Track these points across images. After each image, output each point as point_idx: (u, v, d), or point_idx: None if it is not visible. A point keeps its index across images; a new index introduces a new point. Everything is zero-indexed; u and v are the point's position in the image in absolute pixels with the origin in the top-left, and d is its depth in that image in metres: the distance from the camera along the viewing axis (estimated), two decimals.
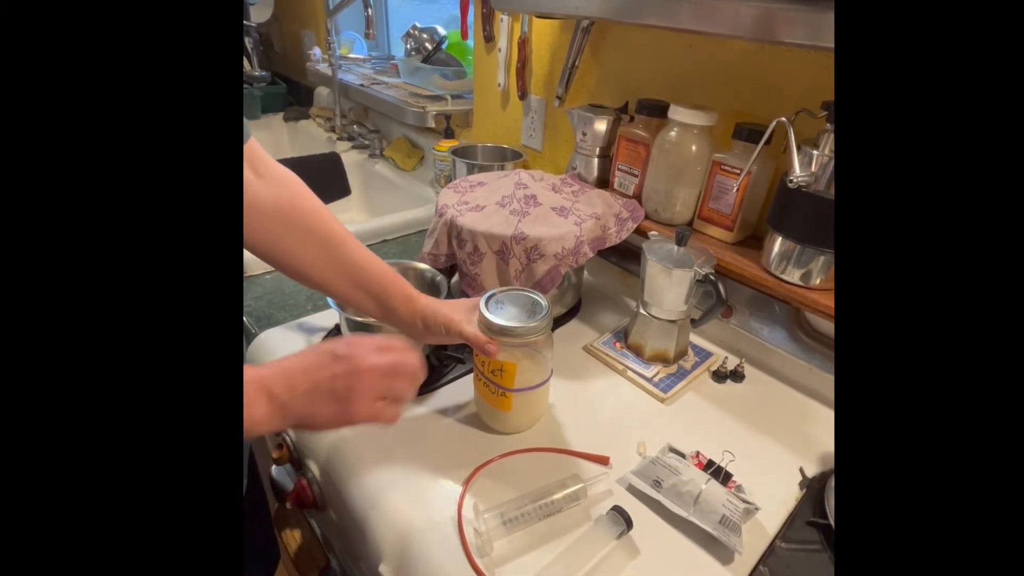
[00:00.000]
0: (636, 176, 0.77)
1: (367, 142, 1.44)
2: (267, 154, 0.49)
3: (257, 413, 0.36)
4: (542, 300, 0.52)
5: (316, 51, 1.65)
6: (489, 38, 1.06)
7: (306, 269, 0.50)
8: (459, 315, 0.51)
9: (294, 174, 0.50)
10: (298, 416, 0.39)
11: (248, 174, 0.46)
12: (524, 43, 0.98)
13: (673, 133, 0.70)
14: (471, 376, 0.62)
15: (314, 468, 0.55)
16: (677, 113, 0.68)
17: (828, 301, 0.58)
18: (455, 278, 0.72)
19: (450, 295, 0.63)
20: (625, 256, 0.81)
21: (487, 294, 0.52)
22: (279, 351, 0.66)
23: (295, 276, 0.51)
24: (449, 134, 1.20)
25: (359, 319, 0.60)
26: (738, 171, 0.65)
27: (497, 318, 0.49)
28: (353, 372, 0.39)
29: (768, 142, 0.59)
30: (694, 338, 0.72)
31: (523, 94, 1.03)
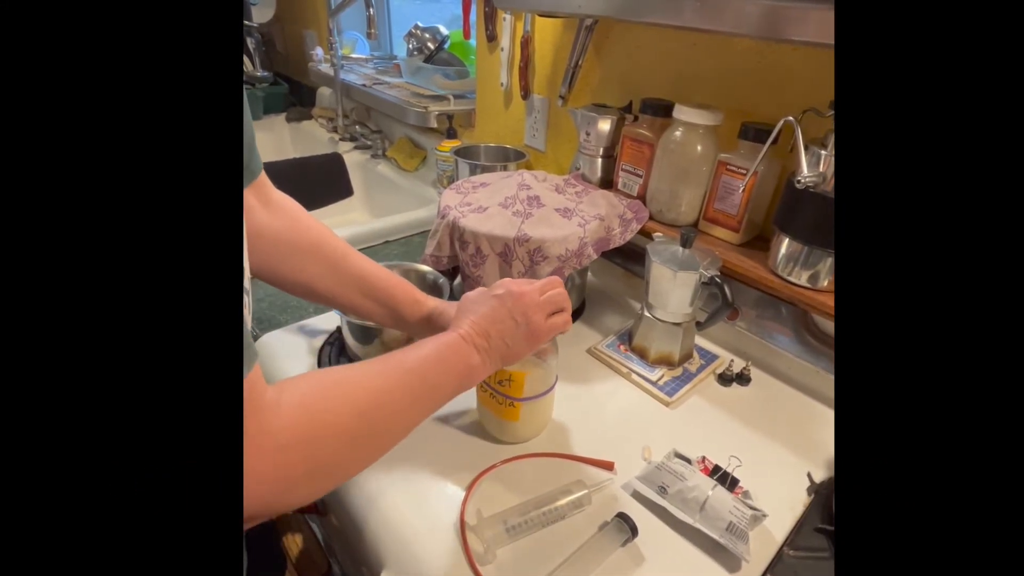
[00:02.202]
0: (640, 176, 0.76)
1: (369, 142, 1.44)
2: (268, 181, 0.51)
3: (474, 361, 0.42)
4: None
5: (318, 51, 1.65)
6: (491, 37, 1.05)
7: (313, 285, 0.51)
8: None
9: (291, 197, 0.52)
10: (500, 353, 0.44)
11: (254, 203, 0.48)
12: (527, 42, 0.97)
13: (678, 133, 0.69)
14: None
15: None
16: (682, 112, 0.67)
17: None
18: (457, 280, 0.72)
19: (452, 297, 0.62)
20: (629, 257, 0.80)
21: None
22: (281, 353, 0.65)
23: (303, 294, 0.52)
24: (451, 134, 1.19)
25: (360, 322, 0.59)
26: (744, 171, 0.64)
27: None
28: (518, 300, 0.45)
29: (775, 142, 0.58)
30: (699, 341, 0.71)
31: (526, 94, 1.02)
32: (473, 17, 1.11)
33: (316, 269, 0.51)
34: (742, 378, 0.65)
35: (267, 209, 0.49)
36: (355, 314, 0.56)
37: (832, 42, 0.44)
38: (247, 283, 0.39)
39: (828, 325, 0.63)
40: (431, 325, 0.53)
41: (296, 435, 0.30)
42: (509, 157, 1.08)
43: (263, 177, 0.50)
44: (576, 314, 0.76)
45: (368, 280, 0.52)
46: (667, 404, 0.61)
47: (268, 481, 0.28)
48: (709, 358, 0.68)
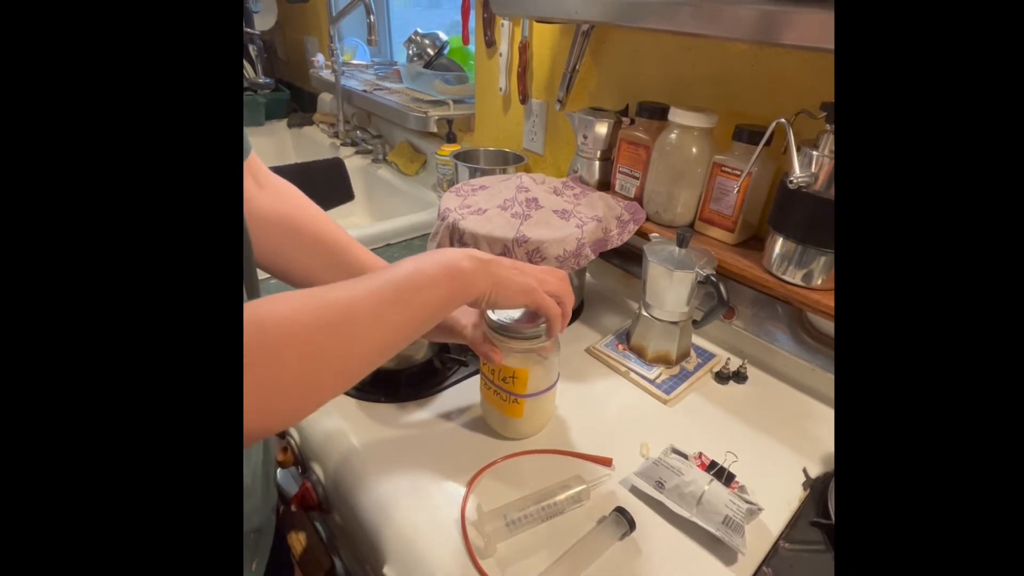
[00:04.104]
0: (637, 178, 0.77)
1: (370, 147, 1.45)
2: (266, 167, 0.50)
3: (467, 266, 0.40)
4: None
5: (319, 57, 1.67)
6: (490, 43, 1.07)
7: (312, 277, 0.50)
8: (466, 318, 0.51)
9: (294, 185, 0.51)
10: (496, 275, 0.41)
11: (250, 185, 0.47)
12: (525, 47, 0.99)
13: (673, 135, 0.70)
14: (473, 379, 0.63)
15: (319, 470, 0.56)
16: (677, 115, 0.69)
17: (829, 301, 0.58)
18: None
19: None
20: (627, 258, 0.81)
21: None
22: None
23: (301, 286, 0.51)
24: (451, 138, 1.20)
25: None
26: (738, 172, 0.65)
27: (507, 322, 0.49)
28: (526, 264, 0.45)
29: (768, 143, 0.59)
30: (696, 339, 0.72)
31: (524, 98, 1.03)
32: (472, 23, 1.12)
33: (316, 260, 0.50)
34: (739, 376, 0.65)
35: (264, 192, 0.48)
36: None
37: (823, 45, 0.45)
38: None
39: (822, 323, 0.64)
40: (436, 326, 0.53)
41: (253, 355, 0.28)
42: (508, 160, 1.09)
43: (257, 160, 0.49)
44: (575, 314, 0.77)
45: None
46: (664, 402, 0.62)
47: None
48: (706, 356, 0.69)
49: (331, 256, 0.50)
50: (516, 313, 0.50)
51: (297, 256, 0.49)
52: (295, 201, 0.50)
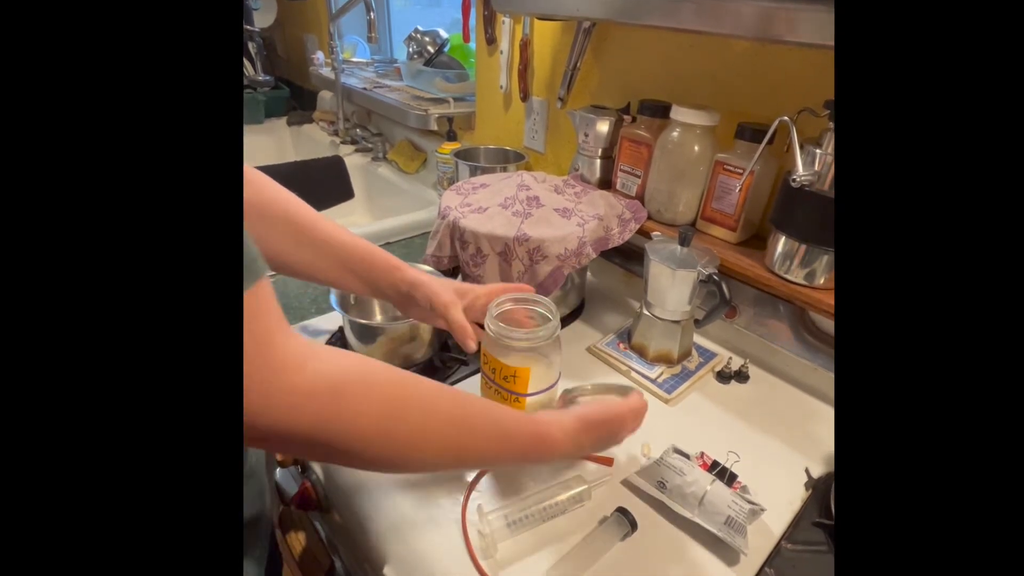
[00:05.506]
0: (639, 177, 0.77)
1: (370, 145, 1.45)
2: None
3: (562, 449, 0.42)
4: (550, 304, 0.52)
5: (319, 55, 1.66)
6: (491, 40, 1.06)
7: (285, 258, 0.50)
8: (447, 296, 0.50)
9: (254, 168, 0.50)
10: (579, 452, 0.47)
11: None
12: (526, 45, 0.98)
13: (675, 133, 0.70)
14: (474, 378, 0.63)
15: (318, 469, 0.55)
16: (679, 113, 0.68)
17: (831, 300, 0.58)
18: (458, 279, 0.72)
19: None
20: (628, 257, 0.81)
21: (496, 300, 0.52)
22: None
23: (277, 267, 0.51)
24: (452, 136, 1.20)
25: (363, 321, 0.60)
26: (741, 171, 0.65)
27: (508, 325, 0.49)
28: (635, 422, 0.49)
29: (771, 141, 0.59)
30: (698, 339, 0.72)
31: (525, 96, 1.03)
32: (473, 20, 1.12)
33: (285, 240, 0.49)
34: (740, 375, 0.65)
35: None
36: (333, 286, 0.54)
37: (825, 43, 0.45)
38: None
39: (825, 322, 0.64)
40: (408, 290, 0.51)
41: (312, 414, 0.29)
42: (509, 159, 1.08)
43: None
44: (576, 313, 0.77)
45: (341, 247, 0.51)
46: (666, 401, 0.61)
47: (265, 423, 0.27)
48: (708, 356, 0.69)
49: (299, 235, 0.50)
50: (510, 305, 0.50)
51: (267, 238, 0.48)
52: (259, 185, 0.49)
